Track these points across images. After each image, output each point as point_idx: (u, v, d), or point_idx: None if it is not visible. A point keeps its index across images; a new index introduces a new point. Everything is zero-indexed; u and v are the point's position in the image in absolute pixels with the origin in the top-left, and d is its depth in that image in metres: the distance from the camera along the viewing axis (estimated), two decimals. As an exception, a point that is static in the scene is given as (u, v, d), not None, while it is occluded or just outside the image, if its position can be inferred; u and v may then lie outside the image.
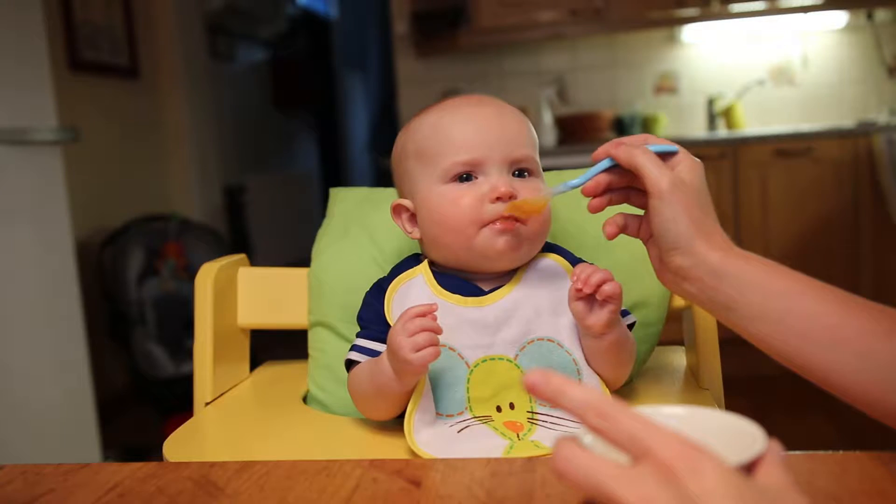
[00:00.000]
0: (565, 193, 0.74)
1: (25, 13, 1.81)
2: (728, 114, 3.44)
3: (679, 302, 0.94)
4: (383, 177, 4.58)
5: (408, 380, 0.73)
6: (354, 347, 0.81)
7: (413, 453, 0.72)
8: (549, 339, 0.78)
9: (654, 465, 0.36)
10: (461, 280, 0.81)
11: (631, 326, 0.80)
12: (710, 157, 3.05)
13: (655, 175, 0.66)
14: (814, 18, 3.40)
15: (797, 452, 0.57)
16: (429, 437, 0.73)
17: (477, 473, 0.57)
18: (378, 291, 0.83)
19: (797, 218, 3.02)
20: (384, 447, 0.76)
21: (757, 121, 3.50)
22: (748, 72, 3.52)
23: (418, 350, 0.69)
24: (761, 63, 3.52)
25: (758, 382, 2.22)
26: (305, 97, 5.47)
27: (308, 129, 5.82)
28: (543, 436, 0.73)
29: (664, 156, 0.70)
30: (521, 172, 0.79)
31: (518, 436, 0.73)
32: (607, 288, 0.72)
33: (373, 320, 0.82)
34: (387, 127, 5.66)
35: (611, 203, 0.72)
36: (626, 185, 0.71)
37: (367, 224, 1.00)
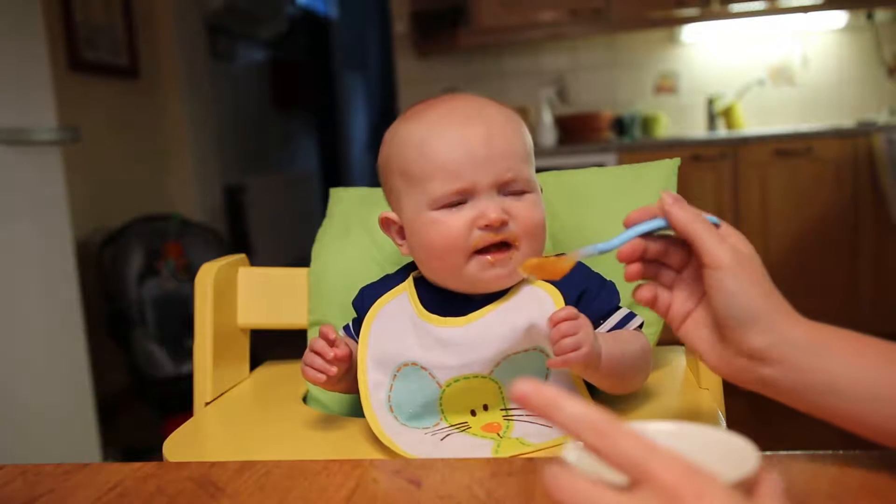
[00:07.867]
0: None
1: (25, 13, 1.81)
2: (728, 114, 3.44)
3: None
4: (383, 177, 4.56)
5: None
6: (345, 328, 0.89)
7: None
8: (525, 351, 0.75)
9: (657, 490, 0.35)
10: (449, 295, 0.79)
11: (639, 326, 0.80)
12: (710, 157, 3.05)
13: (714, 245, 0.57)
14: (814, 18, 3.39)
15: (797, 452, 0.57)
16: (413, 442, 0.73)
17: (477, 473, 0.57)
18: (366, 299, 0.86)
19: (797, 218, 3.02)
20: (384, 447, 0.76)
21: (757, 121, 3.50)
22: (748, 72, 3.52)
23: (308, 368, 0.78)
24: (761, 63, 3.52)
25: (758, 382, 2.21)
26: (305, 97, 5.47)
27: (308, 130, 5.81)
28: (525, 431, 0.73)
29: None
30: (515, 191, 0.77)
31: (499, 434, 0.74)
32: (560, 357, 0.68)
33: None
34: (387, 127, 5.66)
35: (643, 276, 0.63)
36: (657, 257, 0.62)
37: (367, 224, 1.00)
